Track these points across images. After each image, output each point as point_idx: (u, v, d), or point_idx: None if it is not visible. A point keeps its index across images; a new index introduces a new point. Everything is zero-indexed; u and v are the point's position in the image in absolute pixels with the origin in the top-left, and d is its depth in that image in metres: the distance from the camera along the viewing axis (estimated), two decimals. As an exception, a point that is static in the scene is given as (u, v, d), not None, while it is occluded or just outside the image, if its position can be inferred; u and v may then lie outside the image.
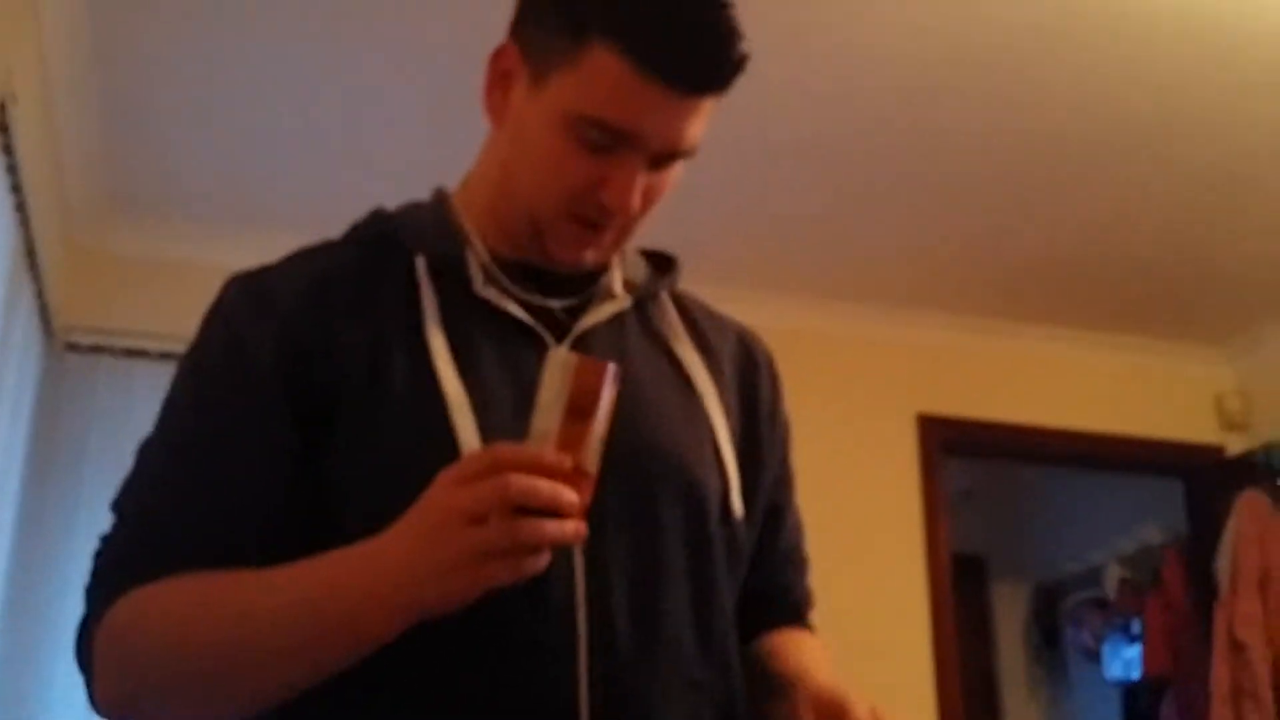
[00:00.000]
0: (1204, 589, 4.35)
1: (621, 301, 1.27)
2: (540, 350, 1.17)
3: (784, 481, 1.37)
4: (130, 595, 1.10)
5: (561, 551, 1.06)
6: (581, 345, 1.21)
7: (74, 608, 3.56)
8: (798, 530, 1.39)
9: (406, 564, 0.98)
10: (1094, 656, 5.33)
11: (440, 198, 1.31)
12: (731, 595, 1.24)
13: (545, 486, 0.94)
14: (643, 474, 1.18)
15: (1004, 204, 3.79)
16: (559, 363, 1.00)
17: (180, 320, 3.86)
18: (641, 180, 1.16)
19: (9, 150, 2.68)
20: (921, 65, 3.14)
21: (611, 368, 1.00)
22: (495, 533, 0.94)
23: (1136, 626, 4.98)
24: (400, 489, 1.07)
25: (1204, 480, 4.56)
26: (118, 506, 1.17)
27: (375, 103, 3.29)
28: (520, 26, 1.20)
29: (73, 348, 3.70)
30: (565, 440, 0.97)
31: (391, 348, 1.15)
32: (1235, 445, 4.61)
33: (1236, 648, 4.05)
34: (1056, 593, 5.74)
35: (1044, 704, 5.79)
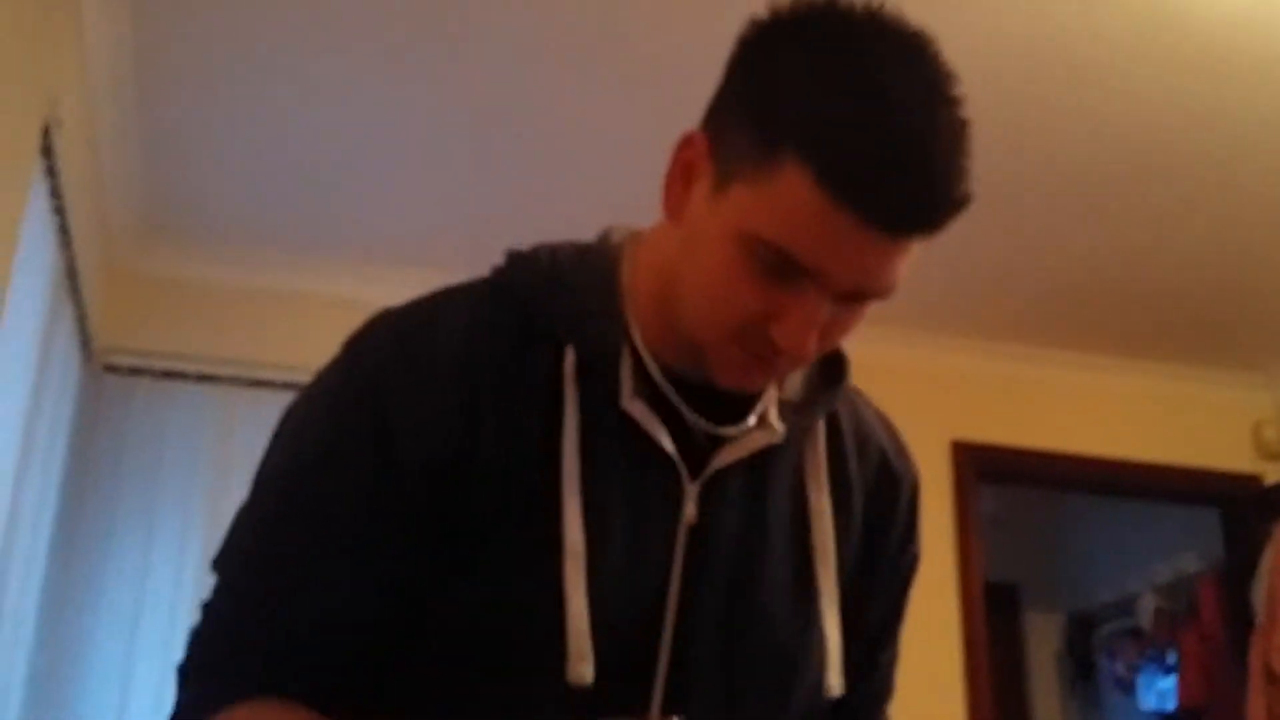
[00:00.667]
0: (1240, 619, 4.31)
1: (772, 434, 1.12)
2: (671, 482, 1.08)
3: (892, 618, 1.28)
4: (233, 714, 1.03)
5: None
6: (715, 486, 1.10)
7: (107, 627, 3.56)
8: (891, 666, 1.31)
9: None
10: (1128, 687, 5.29)
11: (606, 261, 1.14)
12: None
13: None
14: (741, 656, 1.10)
15: (1040, 229, 3.78)
16: None
17: (216, 342, 3.92)
18: (823, 317, 1.00)
19: (53, 174, 2.72)
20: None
21: None
22: None
23: (1172, 657, 4.94)
24: (500, 647, 1.05)
25: (1241, 509, 4.52)
26: (220, 570, 1.09)
27: (415, 131, 3.33)
28: (713, 116, 1.05)
29: (111, 369, 3.74)
30: None
31: (527, 466, 1.05)
32: (1273, 474, 4.57)
33: (1272, 679, 4.01)
34: (1091, 622, 5.70)
35: (1078, 734, 5.75)
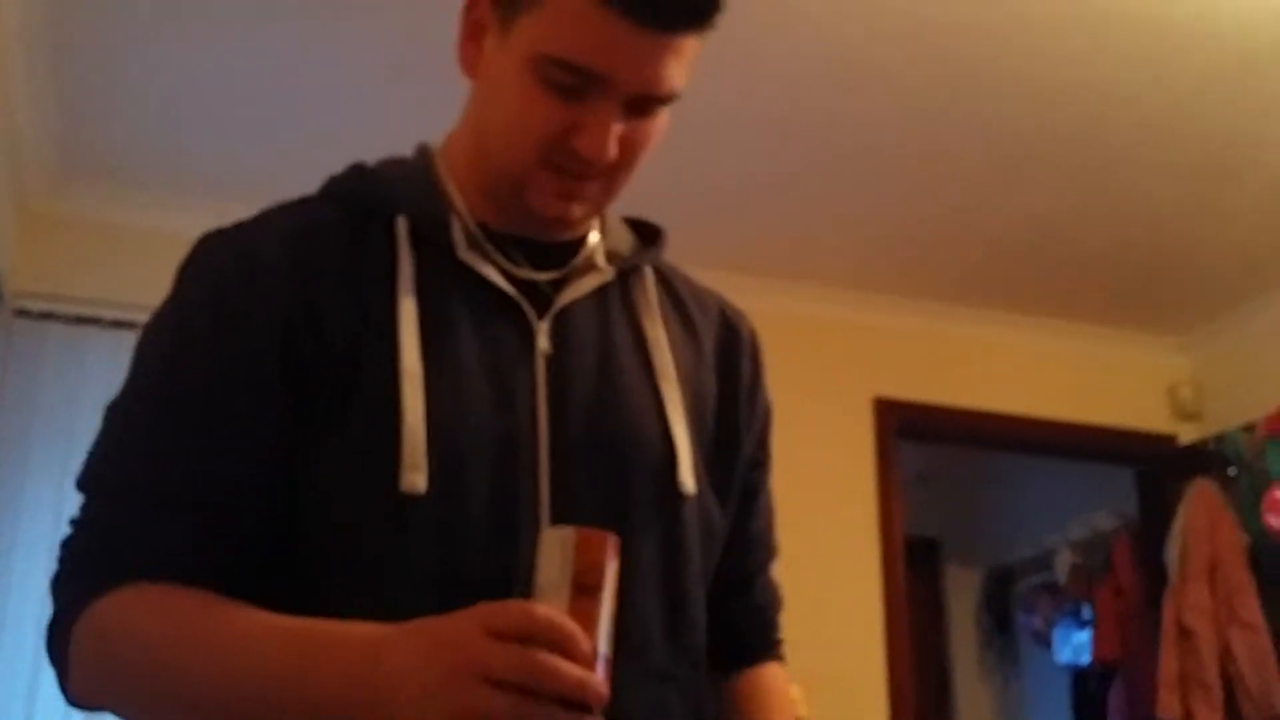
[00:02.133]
0: (1154, 576, 4.41)
1: (604, 274, 1.23)
2: (520, 324, 1.16)
3: (760, 465, 1.34)
4: (113, 598, 1.05)
5: (532, 534, 1.03)
6: (563, 319, 1.18)
7: (22, 570, 3.50)
8: (769, 514, 1.37)
9: (398, 683, 0.92)
10: (1045, 641, 5.40)
11: (424, 155, 1.26)
12: (703, 582, 1.21)
13: (572, 676, 0.88)
14: (614, 461, 1.15)
15: (965, 189, 3.80)
16: (557, 540, 0.94)
17: (132, 288, 3.84)
18: (618, 127, 1.10)
19: (-41, 111, 2.64)
20: (884, 45, 3.15)
21: (613, 539, 0.95)
22: (507, 708, 0.87)
23: (1087, 612, 5.04)
24: (352, 468, 1.07)
25: (1156, 469, 4.61)
26: (87, 484, 1.11)
27: (329, 76, 3.27)
28: None
29: (22, 314, 3.65)
30: (576, 621, 0.90)
31: (368, 318, 1.11)
32: (1188, 435, 4.66)
33: (1185, 635, 4.11)
34: (1009, 577, 5.80)
35: (995, 687, 5.86)
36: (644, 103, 1.12)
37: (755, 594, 1.35)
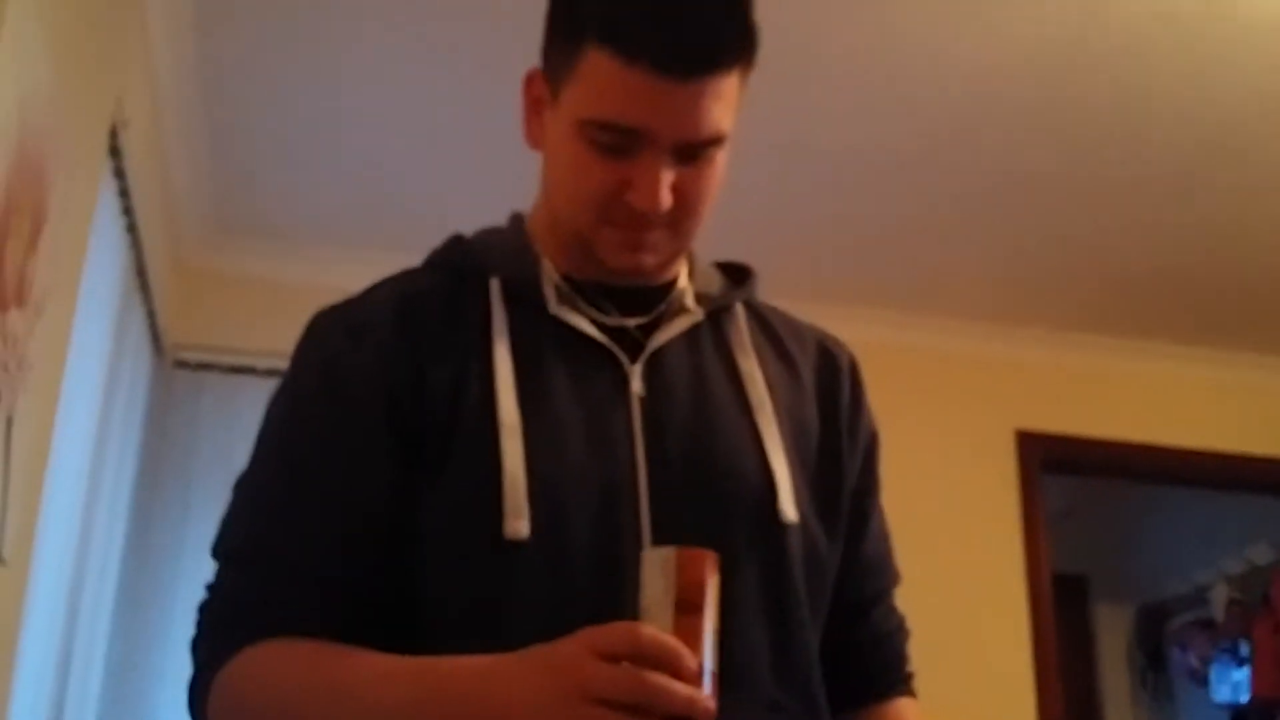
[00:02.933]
0: (1316, 611, 4.23)
1: (694, 315, 1.26)
2: (613, 369, 1.19)
3: (868, 491, 1.33)
4: (246, 655, 1.09)
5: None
6: (655, 362, 1.21)
7: (182, 621, 3.64)
8: (884, 539, 1.36)
9: (511, 707, 0.94)
10: (1200, 679, 5.20)
11: (516, 221, 1.32)
12: (813, 611, 1.21)
13: (681, 694, 0.90)
14: (714, 495, 1.16)
15: (1106, 217, 3.72)
16: (658, 560, 0.96)
17: (284, 339, 3.95)
18: (669, 176, 1.13)
19: (120, 174, 2.75)
20: (1016, 72, 3.10)
21: (711, 556, 0.96)
22: None
23: (1245, 648, 4.85)
24: (458, 516, 1.11)
25: (1315, 499, 4.43)
26: (220, 552, 1.17)
27: (478, 123, 3.33)
28: (543, 50, 1.21)
29: (181, 364, 3.79)
30: (681, 639, 0.92)
31: (466, 375, 1.15)
32: (1348, 463, 4.47)
33: (1351, 672, 3.93)
34: (1161, 614, 5.61)
35: (1150, 726, 5.66)
36: (691, 149, 1.14)
37: (875, 622, 1.32)
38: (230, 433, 3.72)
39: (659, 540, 1.10)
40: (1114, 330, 4.42)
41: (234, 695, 1.10)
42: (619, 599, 1.06)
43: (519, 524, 1.09)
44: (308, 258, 3.95)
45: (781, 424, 1.23)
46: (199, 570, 3.72)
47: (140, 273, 3.15)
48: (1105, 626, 5.81)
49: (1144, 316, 4.32)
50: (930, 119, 3.27)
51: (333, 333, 1.21)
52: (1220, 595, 5.02)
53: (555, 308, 1.21)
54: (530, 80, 1.23)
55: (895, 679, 1.32)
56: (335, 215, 3.80)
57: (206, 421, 3.74)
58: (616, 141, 1.12)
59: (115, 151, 2.68)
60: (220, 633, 1.13)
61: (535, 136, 1.24)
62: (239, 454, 3.85)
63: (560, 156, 1.18)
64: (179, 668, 3.42)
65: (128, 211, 2.88)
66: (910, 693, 1.33)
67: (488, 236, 1.30)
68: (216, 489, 3.71)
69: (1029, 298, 4.20)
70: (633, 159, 1.12)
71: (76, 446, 2.71)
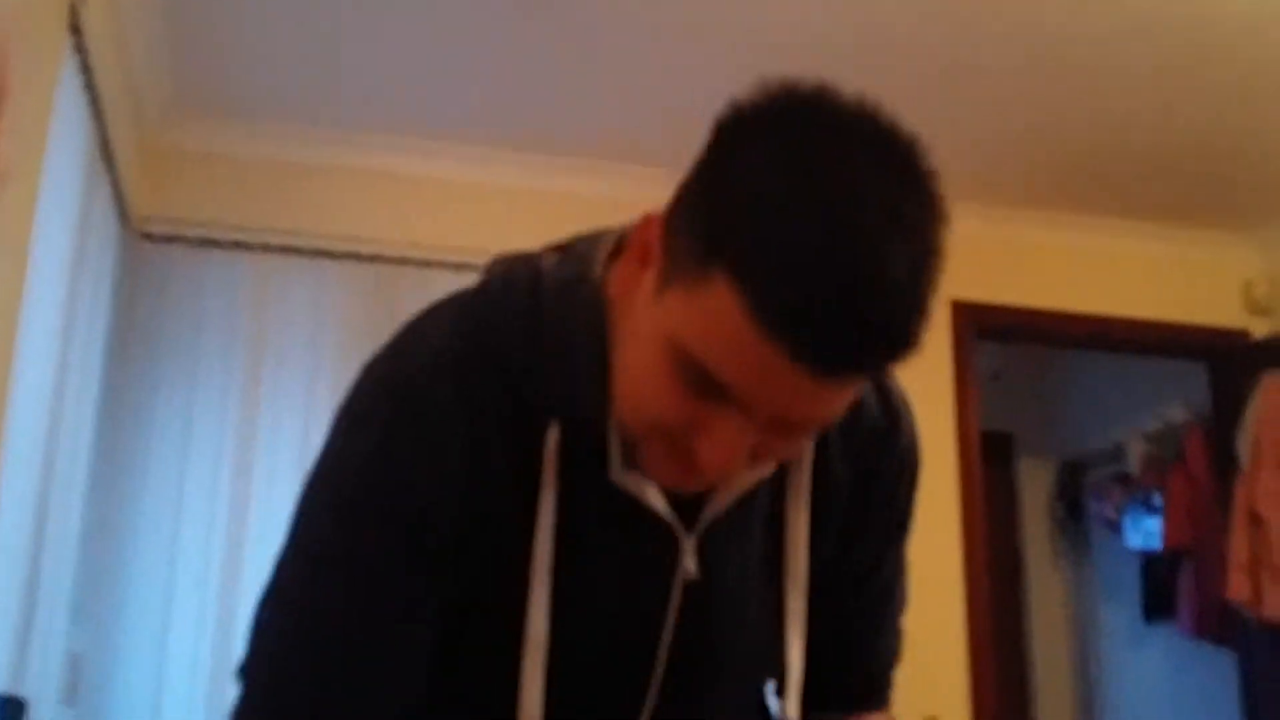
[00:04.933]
0: (1225, 465, 4.34)
1: (763, 470, 1.02)
2: (666, 542, 1.01)
3: (873, 566, 1.18)
4: None
5: None
6: (709, 535, 1.03)
7: (155, 484, 3.58)
8: (878, 608, 1.21)
9: None
10: (1115, 527, 5.35)
11: (594, 315, 0.98)
12: None
13: None
14: (725, 677, 1.09)
15: (1040, 95, 3.70)
16: None
17: (247, 213, 3.89)
18: (748, 440, 0.89)
19: (81, 51, 2.67)
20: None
21: None
22: None
23: (1158, 500, 4.98)
24: (465, 688, 1.04)
25: (1228, 363, 4.51)
26: (248, 675, 1.01)
27: (444, 3, 3.24)
28: (674, 204, 0.92)
29: (148, 236, 3.72)
30: None
31: (505, 554, 0.99)
32: (1260, 329, 4.55)
33: (1255, 521, 4.05)
34: (1081, 468, 5.74)
35: (1066, 573, 5.84)
36: (789, 427, 0.90)
37: (873, 655, 1.22)
38: (197, 303, 3.68)
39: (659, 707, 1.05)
40: (1044, 204, 4.43)
41: None
42: None
43: None
44: (271, 133, 3.87)
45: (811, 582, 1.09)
46: (169, 434, 3.67)
47: (105, 148, 3.07)
48: (1028, 480, 5.95)
49: (1072, 190, 4.34)
50: (873, 4, 3.22)
51: (408, 448, 0.98)
52: (1137, 451, 5.13)
53: (618, 474, 0.98)
54: (647, 224, 0.94)
55: (876, 701, 1.22)
56: (297, 90, 3.71)
57: (173, 292, 3.69)
58: (708, 388, 0.86)
59: (75, 29, 2.60)
60: None
61: (626, 286, 0.96)
62: (205, 324, 3.79)
63: (639, 350, 0.91)
64: (152, 529, 3.44)
65: (90, 88, 2.80)
66: (884, 707, 1.24)
67: (556, 341, 0.99)
68: (184, 356, 3.68)
69: (964, 174, 4.19)
70: (715, 406, 0.87)
71: (46, 316, 2.68)
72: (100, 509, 3.46)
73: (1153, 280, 4.56)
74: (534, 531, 0.98)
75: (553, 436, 0.98)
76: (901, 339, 0.84)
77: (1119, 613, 5.44)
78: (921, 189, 0.86)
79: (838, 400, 0.88)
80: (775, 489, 1.06)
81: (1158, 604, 5.04)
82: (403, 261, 3.81)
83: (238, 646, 3.12)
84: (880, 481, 1.14)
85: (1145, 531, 5.15)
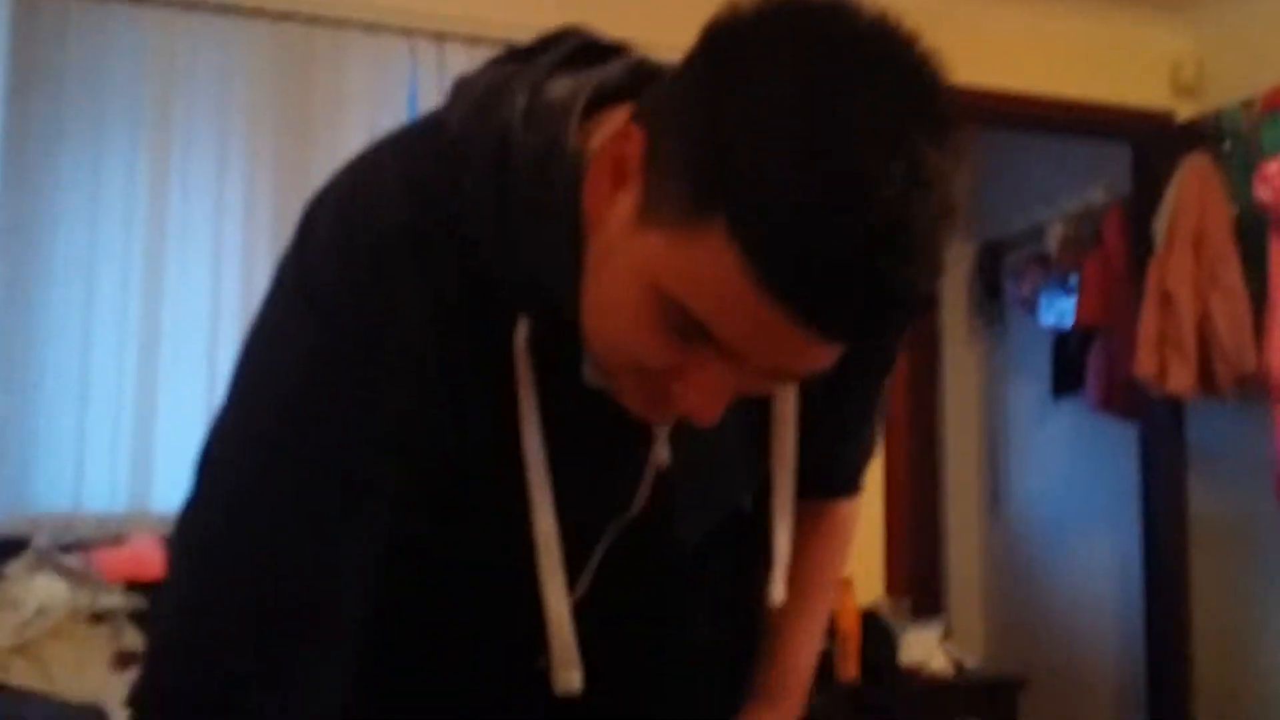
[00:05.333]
0: (1142, 247, 4.38)
1: None
2: (643, 434, 0.97)
3: (854, 415, 1.17)
4: None
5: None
6: (680, 430, 0.98)
7: (64, 251, 3.43)
8: (854, 457, 1.22)
9: None
10: (1031, 307, 5.43)
11: (569, 192, 0.88)
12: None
13: None
14: (656, 570, 1.08)
15: None
16: None
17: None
18: (734, 383, 0.83)
19: None
20: None
21: None
22: None
23: (1074, 281, 5.05)
24: (473, 632, 1.01)
25: (1152, 144, 4.51)
26: (185, 530, 0.92)
27: None
28: (656, 117, 0.82)
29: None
30: None
31: (485, 454, 0.93)
32: (1186, 111, 4.53)
33: (1166, 300, 4.12)
34: (1000, 250, 5.78)
35: (981, 351, 5.95)
36: (778, 375, 0.85)
37: (846, 460, 1.23)
38: (99, 59, 3.48)
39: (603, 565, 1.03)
40: (981, -25, 4.32)
41: None
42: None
43: (571, 675, 0.94)
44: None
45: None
46: (75, 197, 3.52)
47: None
48: (948, 262, 5.97)
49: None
50: None
51: (356, 316, 0.89)
52: (1056, 232, 5.16)
53: (591, 374, 0.92)
54: (625, 139, 0.83)
55: (845, 488, 1.25)
56: None
57: (74, 45, 3.48)
58: (692, 333, 0.79)
59: None
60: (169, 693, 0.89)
61: (596, 205, 0.85)
62: (107, 77, 3.57)
63: (614, 282, 0.82)
64: (63, 298, 3.34)
65: None
66: (853, 493, 1.26)
67: (527, 221, 0.89)
68: (88, 112, 3.50)
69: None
70: (698, 351, 0.81)
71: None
72: (8, 275, 3.34)
73: (1079, 59, 4.49)
74: (508, 432, 0.92)
75: (522, 331, 0.90)
76: (916, 304, 0.77)
77: (1028, 389, 5.57)
78: (946, 134, 0.77)
79: (838, 352, 0.81)
80: None
81: (1066, 380, 5.16)
82: (314, 20, 3.62)
83: (160, 400, 3.02)
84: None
85: (1059, 311, 5.23)
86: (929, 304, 0.80)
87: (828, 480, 1.22)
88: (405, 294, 0.89)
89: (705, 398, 0.82)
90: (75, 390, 3.34)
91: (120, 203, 3.45)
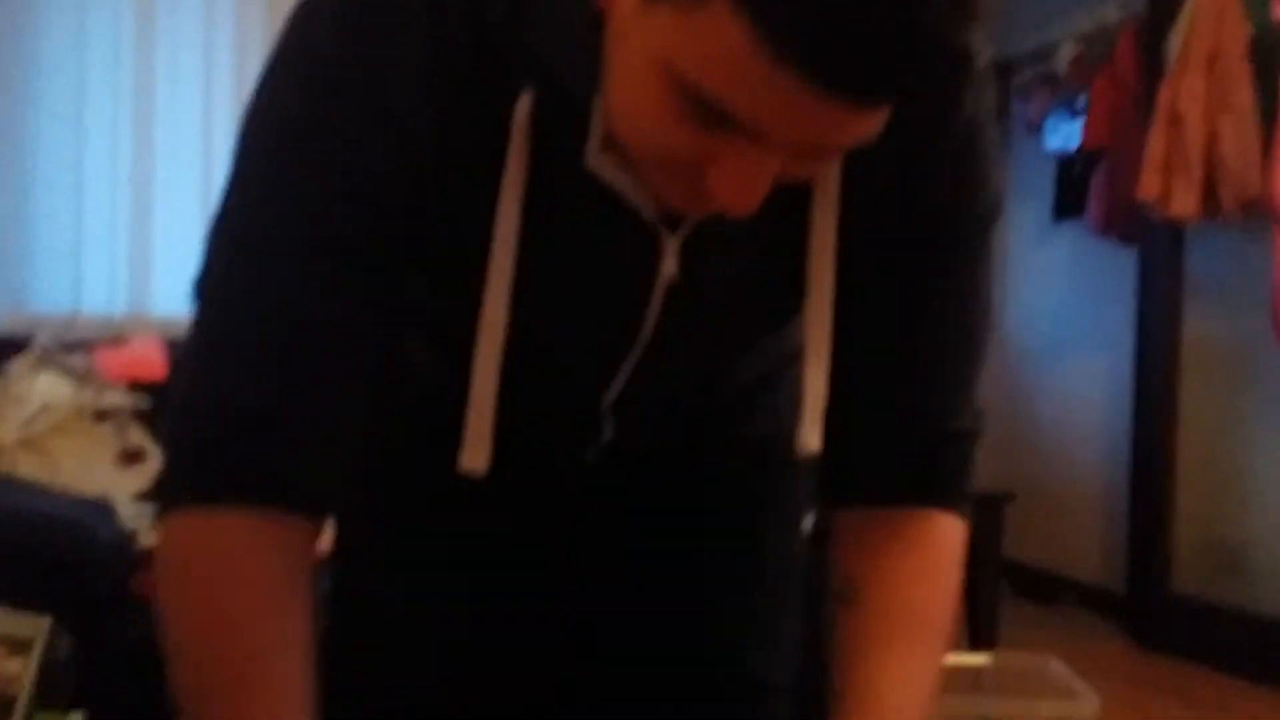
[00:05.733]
0: (1154, 67, 4.29)
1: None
2: (648, 237, 0.90)
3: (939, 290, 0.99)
4: (206, 543, 0.87)
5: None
6: (700, 235, 0.91)
7: (55, 31, 3.32)
8: (943, 370, 1.00)
9: None
10: (1037, 130, 5.35)
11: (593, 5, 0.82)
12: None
13: None
14: (672, 393, 1.02)
15: None
16: None
17: None
18: (772, 167, 0.77)
19: None
20: None
21: None
22: None
23: (1082, 102, 4.95)
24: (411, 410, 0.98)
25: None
26: (200, 296, 0.91)
27: None
28: None
29: None
30: None
31: (459, 229, 0.88)
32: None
33: (1175, 121, 4.05)
34: (1009, 70, 5.66)
35: (984, 174, 5.88)
36: (814, 153, 0.78)
37: (930, 421, 1.01)
38: None
39: (618, 440, 0.99)
40: None
41: (167, 584, 0.90)
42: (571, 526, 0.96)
43: (478, 455, 0.90)
44: None
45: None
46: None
47: None
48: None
49: None
50: None
51: (350, 82, 0.85)
52: (1067, 52, 5.04)
53: (594, 159, 0.86)
54: None
55: (942, 488, 1.01)
56: None
57: None
58: (716, 118, 0.74)
59: None
60: (190, 467, 0.90)
61: None
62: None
63: (631, 71, 0.77)
64: (54, 99, 3.27)
65: None
66: (958, 508, 1.01)
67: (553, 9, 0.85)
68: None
69: None
70: (726, 136, 0.75)
71: None
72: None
73: None
74: (495, 210, 0.88)
75: (524, 104, 0.85)
76: (945, 54, 0.70)
77: (1030, 212, 5.53)
78: None
79: (873, 122, 0.75)
80: (792, 189, 0.90)
81: (1068, 204, 5.12)
82: None
83: (156, 202, 3.01)
84: (931, 166, 0.95)
85: (1065, 134, 5.15)
86: (965, 57, 0.72)
87: (906, 452, 1.00)
88: (406, 52, 0.85)
89: (739, 184, 0.77)
90: (70, 193, 3.31)
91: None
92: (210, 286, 0.91)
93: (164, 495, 0.91)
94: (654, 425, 1.05)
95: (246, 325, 0.88)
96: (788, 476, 1.13)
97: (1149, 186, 4.09)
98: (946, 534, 0.99)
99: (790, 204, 0.89)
